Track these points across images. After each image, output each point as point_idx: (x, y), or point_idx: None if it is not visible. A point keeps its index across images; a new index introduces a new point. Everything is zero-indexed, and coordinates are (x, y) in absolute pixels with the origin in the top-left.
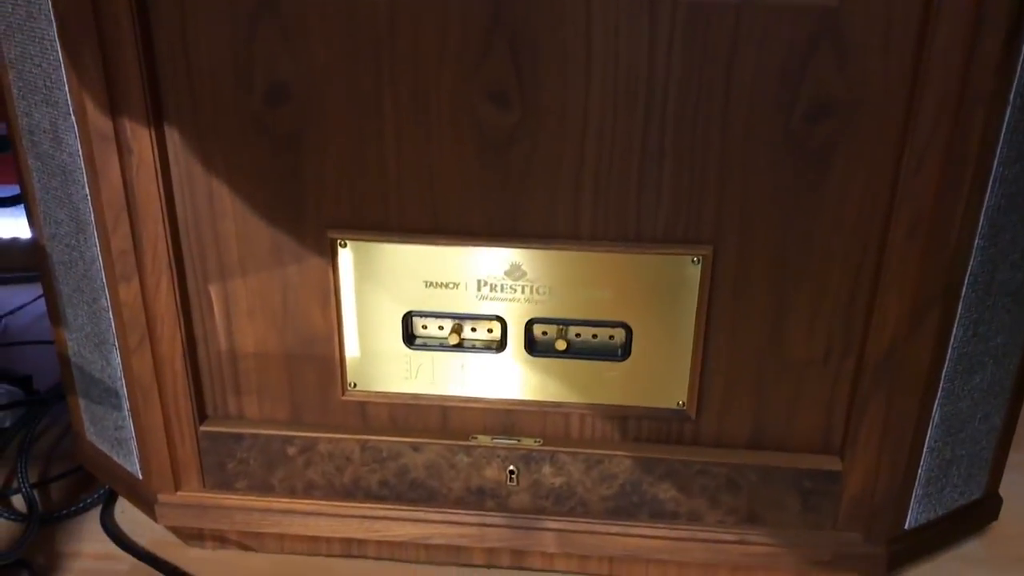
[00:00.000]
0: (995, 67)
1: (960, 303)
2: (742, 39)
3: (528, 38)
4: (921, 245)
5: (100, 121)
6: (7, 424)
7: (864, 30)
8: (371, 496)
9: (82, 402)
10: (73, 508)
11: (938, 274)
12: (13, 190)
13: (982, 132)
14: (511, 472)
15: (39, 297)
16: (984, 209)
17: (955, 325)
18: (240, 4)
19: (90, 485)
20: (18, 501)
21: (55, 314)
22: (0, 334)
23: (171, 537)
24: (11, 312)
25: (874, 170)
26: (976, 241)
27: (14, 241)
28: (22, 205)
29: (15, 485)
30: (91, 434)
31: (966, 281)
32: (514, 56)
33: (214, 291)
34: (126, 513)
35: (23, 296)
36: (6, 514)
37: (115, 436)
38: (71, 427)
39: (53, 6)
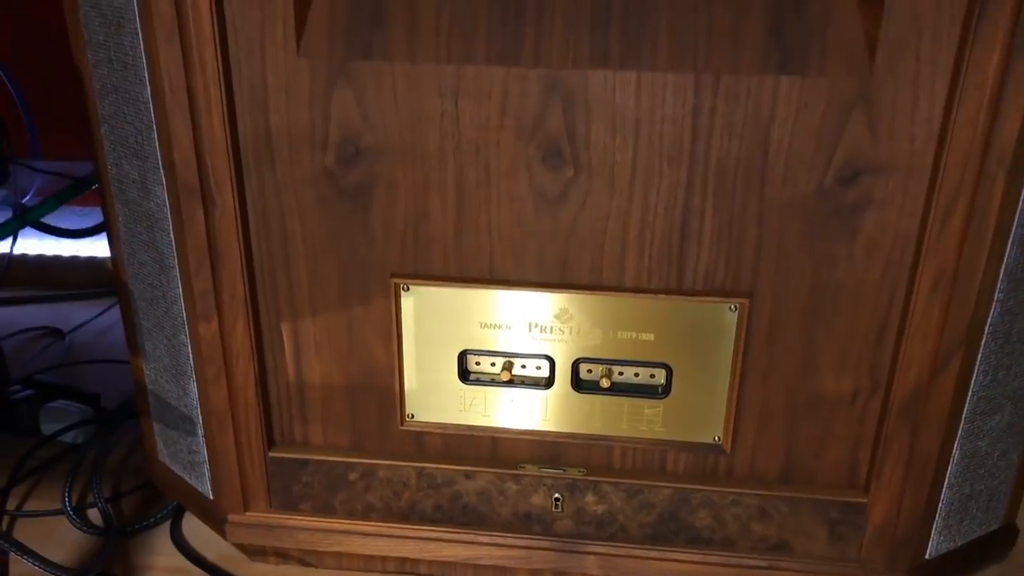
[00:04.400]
0: (1016, 137)
1: (980, 350)
2: (780, 107)
3: (580, 115)
4: (944, 297)
5: (188, 176)
6: (80, 440)
7: (894, 100)
8: (426, 519)
9: (156, 426)
10: (146, 522)
11: (960, 324)
12: (88, 217)
13: (1004, 194)
14: (556, 499)
15: (100, 314)
16: (1004, 265)
17: (975, 370)
18: (319, 72)
19: (157, 500)
20: (93, 515)
21: (133, 344)
22: (65, 351)
23: (235, 551)
24: (74, 329)
25: (901, 227)
26: (996, 295)
27: (74, 259)
28: (96, 237)
29: (89, 499)
30: (164, 456)
31: (986, 331)
32: (567, 119)
33: (285, 328)
34: (191, 528)
35: (84, 313)
36: (86, 528)
37: (188, 459)
38: (143, 448)
39: (150, 77)
